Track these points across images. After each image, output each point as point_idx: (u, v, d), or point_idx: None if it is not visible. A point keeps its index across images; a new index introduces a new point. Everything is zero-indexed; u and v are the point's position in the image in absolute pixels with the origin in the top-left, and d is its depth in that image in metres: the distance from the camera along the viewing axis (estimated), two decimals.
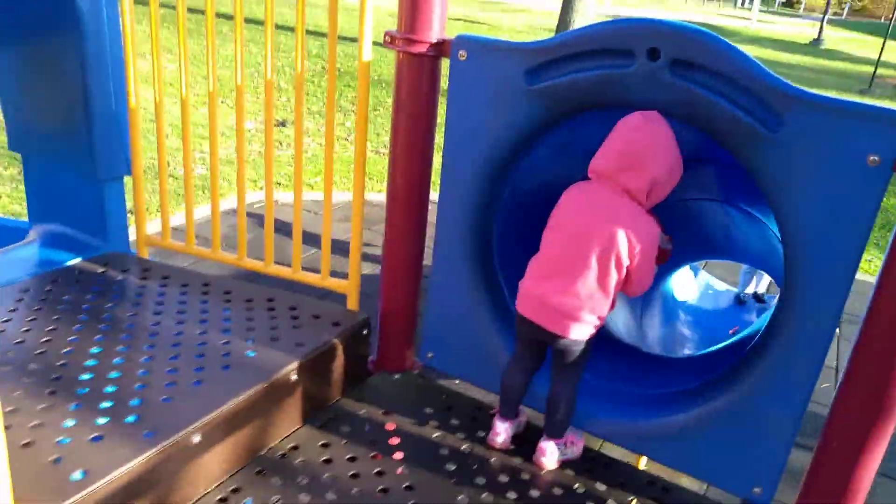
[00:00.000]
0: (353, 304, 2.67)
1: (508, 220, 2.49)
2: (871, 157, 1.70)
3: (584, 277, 1.98)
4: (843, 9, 53.04)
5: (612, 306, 2.05)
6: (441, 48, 2.25)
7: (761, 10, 35.92)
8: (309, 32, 11.54)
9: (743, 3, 52.24)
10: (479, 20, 18.28)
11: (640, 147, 1.92)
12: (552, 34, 11.78)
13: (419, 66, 2.27)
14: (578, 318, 2.01)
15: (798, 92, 1.74)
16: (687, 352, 3.59)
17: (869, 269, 5.32)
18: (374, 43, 2.36)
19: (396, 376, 2.60)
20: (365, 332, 2.53)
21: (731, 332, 3.70)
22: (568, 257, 1.99)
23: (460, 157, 2.29)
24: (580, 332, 2.03)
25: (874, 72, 16.48)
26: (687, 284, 4.19)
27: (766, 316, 2.68)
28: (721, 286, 4.48)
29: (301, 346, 2.29)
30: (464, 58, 2.18)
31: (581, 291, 1.99)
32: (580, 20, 11.37)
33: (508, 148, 2.22)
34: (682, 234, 2.62)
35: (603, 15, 21.49)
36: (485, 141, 2.23)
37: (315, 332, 2.40)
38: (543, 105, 2.10)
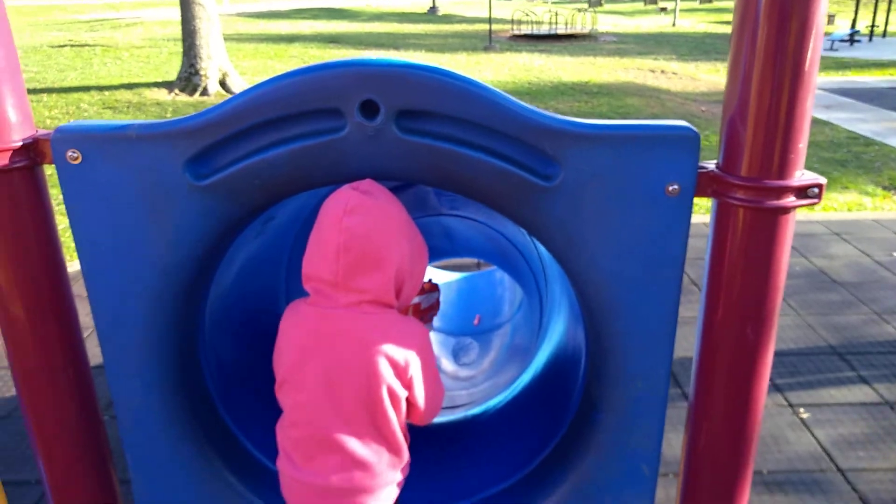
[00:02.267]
0: None
1: (233, 347, 1.77)
2: (671, 187, 1.34)
3: (359, 439, 1.37)
4: None
5: (408, 441, 1.49)
6: (35, 152, 1.41)
7: None
8: None
9: None
10: (90, 42, 16.03)
11: (366, 234, 1.32)
12: (179, 44, 10.63)
13: (5, 185, 1.41)
14: (373, 490, 1.41)
15: (574, 126, 1.30)
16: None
17: None
18: None
19: None
20: None
21: (475, 322, 3.48)
22: (324, 421, 1.37)
23: (117, 299, 1.50)
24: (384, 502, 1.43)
25: (490, 29, 18.04)
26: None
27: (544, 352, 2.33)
28: (444, 275, 4.18)
29: None
30: (77, 161, 1.38)
31: (363, 458, 1.38)
32: (205, 26, 10.34)
33: (188, 268, 1.49)
34: None
35: (225, 15, 20.38)
36: (147, 270, 1.47)
37: None
38: (224, 202, 1.41)
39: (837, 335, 3.45)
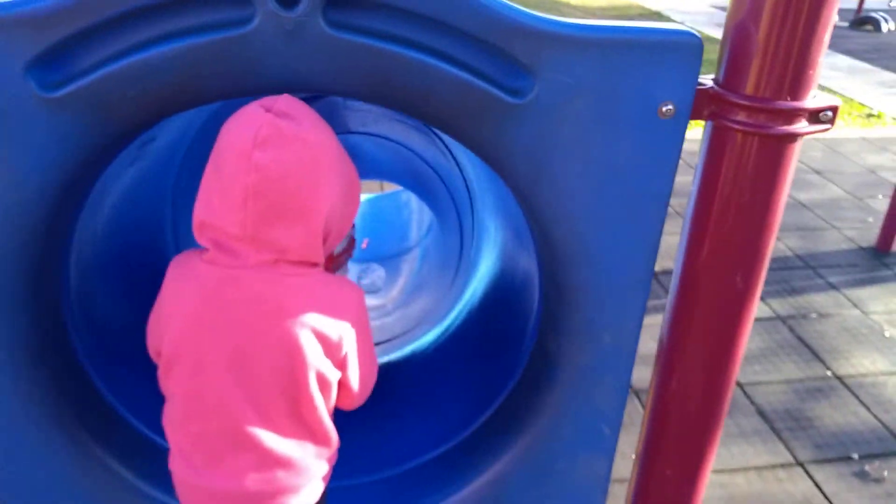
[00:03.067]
0: None
1: (110, 305, 1.43)
2: (665, 107, 1.10)
3: (278, 432, 1.08)
4: None
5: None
6: None
7: None
8: None
9: None
10: None
11: (284, 176, 0.99)
12: None
13: None
14: (297, 489, 1.13)
15: (555, 27, 1.01)
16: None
17: None
18: None
19: None
20: None
21: (363, 245, 3.26)
22: (232, 412, 1.06)
23: None
24: (306, 501, 1.17)
25: None
26: None
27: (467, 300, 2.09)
28: None
29: None
30: None
31: (283, 454, 1.09)
32: None
33: (41, 209, 1.12)
34: None
35: None
36: None
37: None
38: (86, 120, 1.04)
39: None
